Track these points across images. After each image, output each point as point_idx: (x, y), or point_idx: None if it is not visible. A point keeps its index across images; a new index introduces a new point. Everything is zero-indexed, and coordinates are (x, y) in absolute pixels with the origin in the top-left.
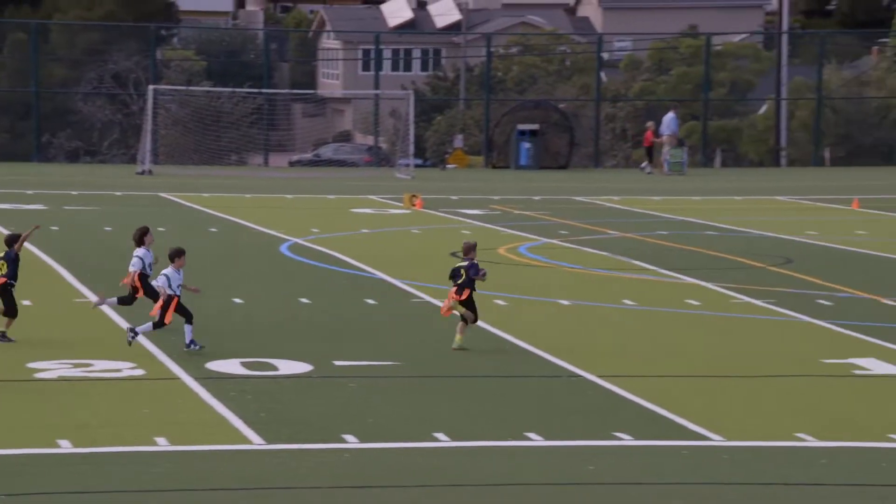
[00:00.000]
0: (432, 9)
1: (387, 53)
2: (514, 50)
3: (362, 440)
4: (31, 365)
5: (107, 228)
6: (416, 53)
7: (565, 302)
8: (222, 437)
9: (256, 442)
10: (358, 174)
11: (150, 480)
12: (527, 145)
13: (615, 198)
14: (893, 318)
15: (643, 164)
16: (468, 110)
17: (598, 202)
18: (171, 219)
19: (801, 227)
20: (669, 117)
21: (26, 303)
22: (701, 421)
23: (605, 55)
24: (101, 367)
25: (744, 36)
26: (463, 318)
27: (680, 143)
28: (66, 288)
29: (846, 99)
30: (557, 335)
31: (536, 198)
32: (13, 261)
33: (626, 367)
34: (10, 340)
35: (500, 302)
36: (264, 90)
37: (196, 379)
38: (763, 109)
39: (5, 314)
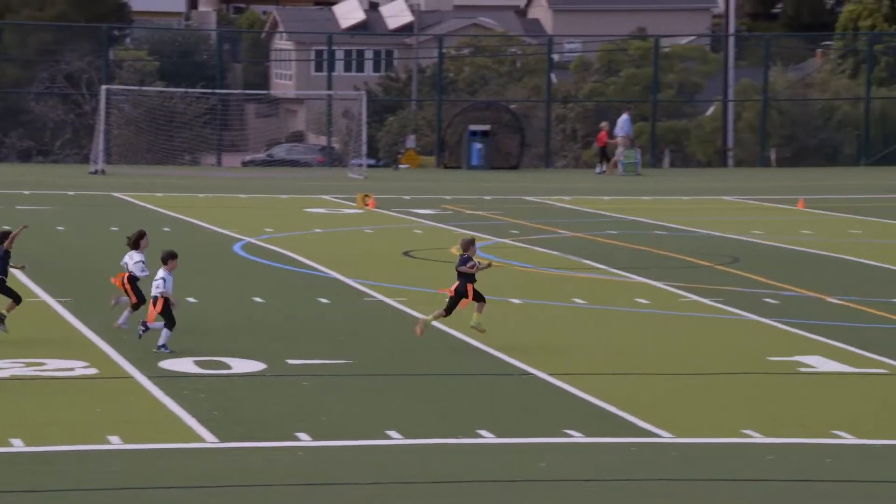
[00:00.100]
0: (384, 10)
1: (339, 54)
2: (465, 51)
3: (315, 438)
4: None
5: (59, 228)
6: (369, 54)
7: (516, 301)
8: (175, 435)
9: (210, 440)
10: (311, 174)
11: (103, 479)
12: (478, 146)
13: (566, 198)
14: (838, 317)
15: (601, 169)
16: (420, 111)
17: (548, 202)
18: (124, 219)
19: (747, 227)
20: (623, 119)
21: None
22: (650, 418)
23: (556, 57)
24: (54, 366)
25: (691, 38)
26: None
27: (633, 144)
28: (19, 287)
29: (791, 101)
30: (509, 334)
31: (488, 198)
32: (2, 258)
33: (576, 365)
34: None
35: None
36: (217, 90)
37: (149, 378)
38: (710, 111)
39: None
